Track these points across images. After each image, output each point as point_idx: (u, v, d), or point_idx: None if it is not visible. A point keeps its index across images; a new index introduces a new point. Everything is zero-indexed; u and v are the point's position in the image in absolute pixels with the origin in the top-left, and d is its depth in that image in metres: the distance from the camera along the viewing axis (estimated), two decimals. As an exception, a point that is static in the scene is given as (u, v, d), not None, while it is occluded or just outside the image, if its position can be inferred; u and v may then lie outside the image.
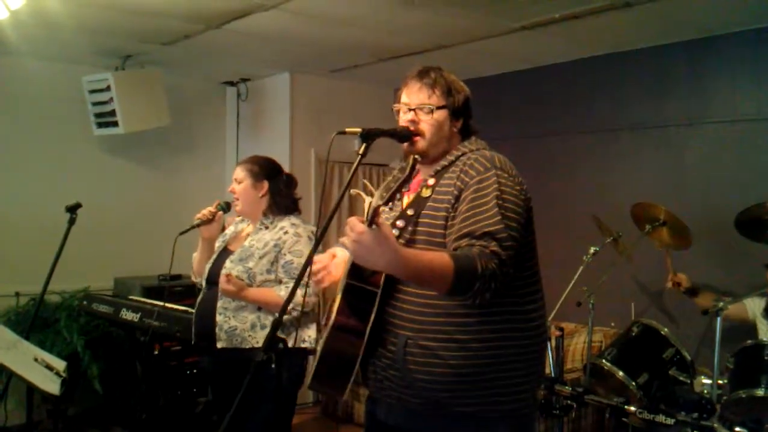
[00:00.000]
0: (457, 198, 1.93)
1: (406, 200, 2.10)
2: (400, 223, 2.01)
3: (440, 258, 1.76)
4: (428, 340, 1.90)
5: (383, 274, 1.92)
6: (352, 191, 1.97)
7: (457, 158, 2.04)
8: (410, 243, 1.97)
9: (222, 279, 2.96)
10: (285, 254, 3.03)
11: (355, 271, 1.91)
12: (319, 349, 1.96)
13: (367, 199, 1.74)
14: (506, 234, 1.83)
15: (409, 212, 2.01)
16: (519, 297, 1.97)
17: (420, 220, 1.98)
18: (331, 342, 1.92)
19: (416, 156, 2.08)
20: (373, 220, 1.68)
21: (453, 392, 1.91)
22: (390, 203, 2.11)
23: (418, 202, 2.02)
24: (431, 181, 2.04)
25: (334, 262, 2.11)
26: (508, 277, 1.82)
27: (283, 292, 2.97)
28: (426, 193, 2.02)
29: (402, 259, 1.70)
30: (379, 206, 1.71)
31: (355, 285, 1.92)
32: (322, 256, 2.15)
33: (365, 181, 2.11)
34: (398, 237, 1.97)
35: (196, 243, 3.31)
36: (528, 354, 1.98)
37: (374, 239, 1.65)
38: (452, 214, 1.92)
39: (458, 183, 1.95)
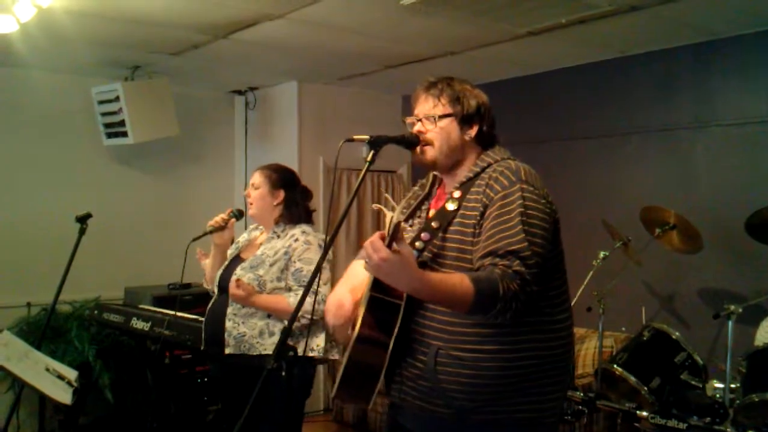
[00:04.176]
0: (483, 214, 1.92)
1: (432, 212, 2.09)
2: (424, 235, 1.99)
3: (460, 282, 1.77)
4: (459, 350, 1.90)
5: None
6: (374, 206, 1.96)
7: (483, 170, 2.02)
8: (439, 258, 1.96)
9: (231, 284, 2.97)
10: (295, 262, 3.04)
11: (378, 284, 1.89)
12: (343, 361, 1.95)
13: (389, 214, 1.73)
14: (530, 252, 1.83)
15: (434, 225, 1.99)
16: (550, 307, 1.97)
17: (448, 235, 1.97)
18: (355, 354, 1.91)
19: (436, 173, 2.07)
20: (393, 237, 1.68)
21: (483, 401, 1.91)
22: (410, 221, 2.10)
23: (444, 215, 2.00)
24: (457, 194, 2.01)
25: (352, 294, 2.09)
26: (531, 296, 1.82)
27: (292, 299, 2.98)
28: (452, 206, 2.00)
29: (422, 284, 1.75)
30: (400, 223, 1.70)
31: (379, 297, 1.91)
32: (342, 296, 2.09)
33: (387, 195, 2.10)
34: (423, 250, 1.96)
35: (206, 251, 3.33)
36: (556, 363, 1.98)
37: (396, 265, 1.69)
38: (478, 231, 1.92)
39: (484, 198, 1.94)
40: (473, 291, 1.75)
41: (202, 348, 3.25)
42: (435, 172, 2.13)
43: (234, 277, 3.01)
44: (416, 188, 2.24)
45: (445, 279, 1.81)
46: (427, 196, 2.16)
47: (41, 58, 4.72)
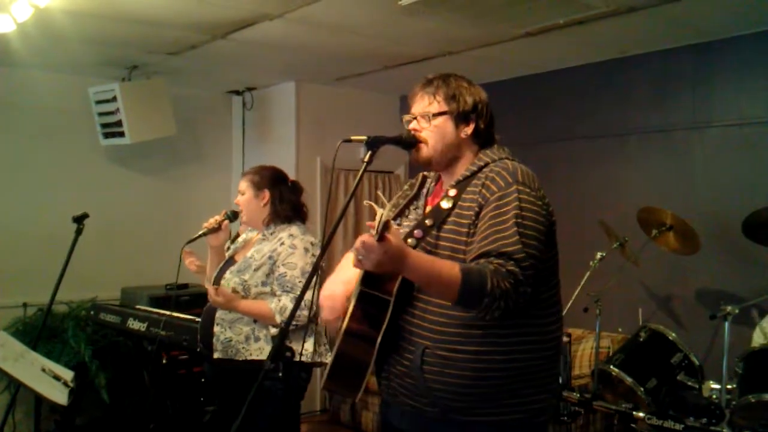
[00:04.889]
0: (478, 214, 1.91)
1: (428, 208, 2.09)
2: (417, 232, 1.99)
3: (450, 269, 1.77)
4: (446, 350, 1.89)
5: (397, 283, 1.91)
6: (365, 202, 1.97)
7: (480, 168, 2.01)
8: (432, 255, 1.94)
9: (210, 290, 2.95)
10: (279, 266, 3.00)
11: (368, 278, 1.90)
12: (332, 353, 1.96)
13: (379, 211, 1.75)
14: (524, 254, 1.81)
15: (428, 222, 1.99)
16: (541, 309, 1.96)
17: (442, 234, 1.96)
18: (343, 347, 1.92)
19: (425, 173, 2.07)
20: (382, 233, 1.68)
21: (468, 402, 1.91)
22: (398, 219, 2.10)
23: (438, 213, 1.99)
24: (452, 192, 2.00)
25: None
26: (524, 297, 1.81)
27: (273, 304, 2.95)
28: (446, 204, 1.99)
29: (410, 266, 1.74)
30: (389, 220, 1.71)
31: (369, 293, 1.91)
32: (335, 288, 2.11)
33: (379, 192, 2.11)
34: (415, 247, 1.96)
35: (206, 252, 3.32)
36: (545, 365, 1.98)
37: (388, 251, 1.68)
38: (472, 231, 1.91)
39: (480, 199, 1.92)
40: (460, 280, 1.74)
41: (198, 349, 3.24)
42: (424, 173, 2.12)
43: (223, 282, 3.02)
44: (406, 188, 2.24)
45: (435, 262, 1.81)
46: (416, 197, 2.16)
47: (38, 57, 4.71)
